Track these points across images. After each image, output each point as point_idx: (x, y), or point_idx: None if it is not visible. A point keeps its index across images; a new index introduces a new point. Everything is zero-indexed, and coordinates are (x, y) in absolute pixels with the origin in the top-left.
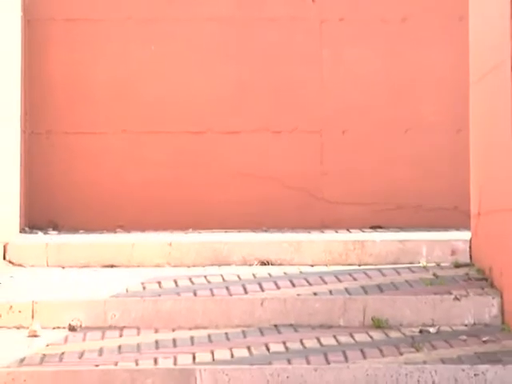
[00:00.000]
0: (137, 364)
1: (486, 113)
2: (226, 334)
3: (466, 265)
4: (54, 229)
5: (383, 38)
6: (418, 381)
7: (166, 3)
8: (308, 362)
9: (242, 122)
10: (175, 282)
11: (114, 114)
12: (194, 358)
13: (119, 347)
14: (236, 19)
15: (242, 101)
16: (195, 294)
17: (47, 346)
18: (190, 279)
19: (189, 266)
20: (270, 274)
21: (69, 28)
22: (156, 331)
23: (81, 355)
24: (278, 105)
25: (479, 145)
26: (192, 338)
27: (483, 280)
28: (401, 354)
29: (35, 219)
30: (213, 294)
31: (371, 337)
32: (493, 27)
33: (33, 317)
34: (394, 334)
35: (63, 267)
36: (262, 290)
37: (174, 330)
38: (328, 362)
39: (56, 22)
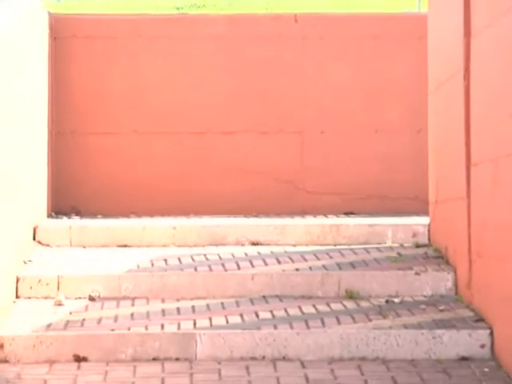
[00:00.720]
0: (146, 329)
1: (442, 117)
2: (222, 303)
3: (425, 245)
4: (76, 214)
5: (356, 54)
6: (385, 343)
7: (171, 24)
8: (291, 328)
9: (235, 124)
10: (179, 259)
11: (126, 117)
12: (194, 324)
13: (131, 315)
14: (230, 37)
15: (235, 106)
16: (196, 270)
17: (70, 313)
18: (192, 257)
19: (190, 246)
20: (259, 253)
21: (88, 44)
22: (162, 301)
23: (99, 321)
24: (266, 110)
25: (436, 144)
26: (193, 307)
27: (440, 258)
28: (370, 320)
29: (60, 206)
30: (211, 270)
31: (345, 306)
32: (448, 44)
33: (58, 289)
34: (364, 304)
35: (84, 247)
36: (253, 267)
37: (178, 300)
38: (308, 328)
39: (78, 39)
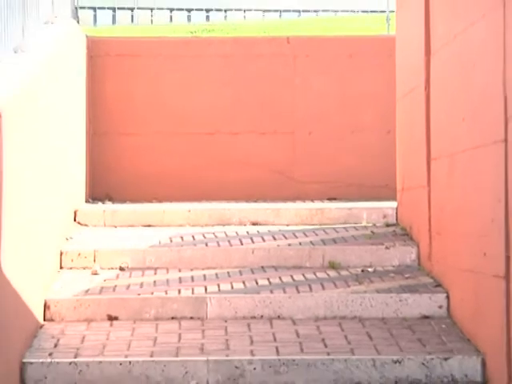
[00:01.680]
0: (166, 293)
1: (407, 120)
2: (228, 272)
3: (393, 225)
4: (109, 200)
5: (336, 69)
6: (361, 305)
7: (186, 44)
8: (284, 292)
9: (239, 126)
10: (193, 236)
11: (149, 120)
12: (205, 289)
13: (154, 282)
14: (234, 55)
15: (239, 112)
16: (206, 245)
17: (104, 281)
18: (203, 235)
19: (202, 226)
20: (258, 231)
21: (118, 61)
22: (179, 271)
23: (127, 287)
24: (264, 115)
25: (402, 142)
26: (204, 276)
27: (405, 235)
28: (348, 286)
29: (96, 193)
30: (219, 245)
31: (328, 275)
32: (412, 61)
33: (94, 261)
34: (344, 273)
35: (115, 226)
36: (253, 242)
37: (191, 270)
38: (298, 292)
39: (110, 57)
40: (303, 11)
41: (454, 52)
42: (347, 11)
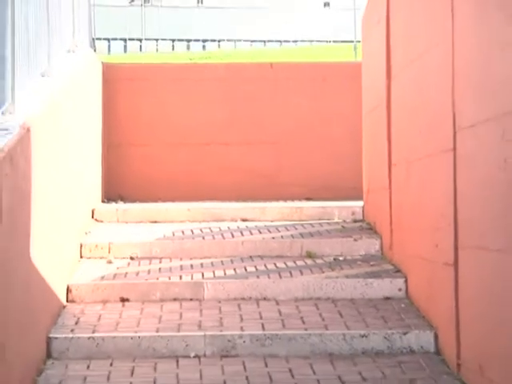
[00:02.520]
0: (169, 279)
1: (372, 133)
2: (222, 261)
3: (360, 220)
4: (121, 200)
5: (312, 89)
6: (333, 288)
7: (186, 69)
8: (269, 277)
9: (231, 138)
10: (192, 231)
11: (156, 133)
12: (202, 275)
13: (159, 269)
14: (227, 78)
15: (231, 126)
16: (203, 238)
17: (117, 268)
18: (201, 229)
19: (200, 222)
20: (247, 226)
21: (129, 84)
22: (181, 260)
23: (137, 274)
24: (251, 128)
25: (367, 151)
26: (202, 264)
27: (370, 229)
28: (323, 272)
29: (110, 195)
30: (214, 238)
31: (306, 263)
32: (376, 83)
33: (109, 251)
34: (319, 261)
35: (127, 222)
36: (243, 236)
37: (191, 259)
38: (281, 277)
39: (121, 80)
40: (284, 41)
41: (411, 76)
42: (320, 41)
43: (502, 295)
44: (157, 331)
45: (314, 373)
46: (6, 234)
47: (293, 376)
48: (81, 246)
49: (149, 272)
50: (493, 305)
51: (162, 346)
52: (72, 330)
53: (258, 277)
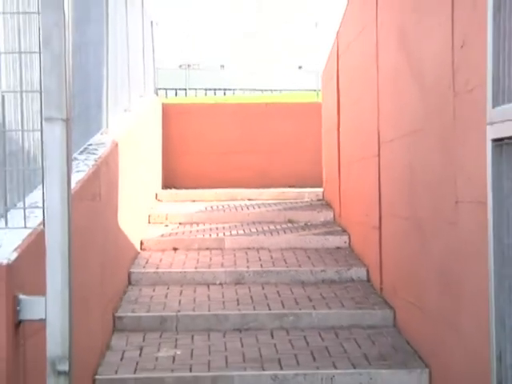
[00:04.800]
0: (203, 236)
1: (327, 145)
2: (235, 225)
3: (321, 200)
4: (174, 187)
5: (292, 118)
6: (305, 241)
7: (213, 106)
8: (265, 235)
9: (241, 149)
10: (217, 206)
11: (194, 147)
12: (224, 234)
13: (197, 230)
14: (238, 112)
15: (241, 141)
16: (224, 211)
17: (171, 229)
18: (222, 206)
19: (222, 200)
20: (251, 204)
21: (178, 116)
22: (210, 224)
23: (183, 233)
24: (253, 143)
25: (325, 156)
26: (223, 227)
27: (327, 205)
28: (298, 232)
29: (167, 184)
30: (230, 211)
31: (288, 226)
32: (330, 115)
33: (166, 219)
34: (296, 225)
35: (177, 201)
36: (248, 209)
37: (216, 224)
38: (272, 235)
39: (173, 114)
40: (274, 90)
41: (351, 111)
42: (296, 90)
43: (404, 245)
44: (196, 268)
45: (293, 293)
46: (104, 207)
47: (279, 295)
48: (149, 216)
49: (190, 232)
50: (399, 251)
51: (199, 277)
52: (144, 267)
53: (257, 235)
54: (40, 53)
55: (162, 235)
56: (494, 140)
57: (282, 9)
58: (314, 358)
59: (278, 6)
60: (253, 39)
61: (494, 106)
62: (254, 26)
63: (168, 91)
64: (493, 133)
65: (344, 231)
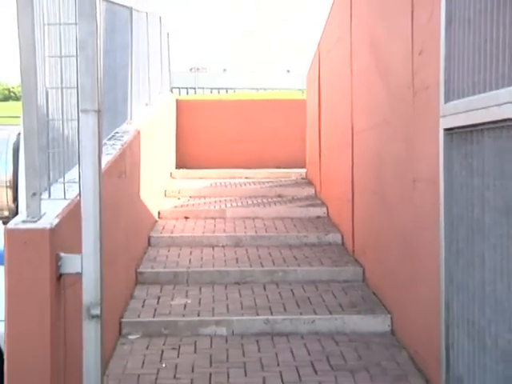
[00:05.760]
0: (209, 207)
1: (310, 134)
2: (235, 198)
3: (305, 179)
4: (185, 168)
5: (282, 113)
6: (291, 212)
7: (217, 102)
8: (259, 206)
9: (240, 138)
10: (220, 183)
11: (201, 135)
12: (225, 206)
13: (204, 203)
14: (238, 107)
15: (240, 132)
16: (226, 186)
17: (183, 202)
18: (224, 183)
19: (224, 178)
20: (248, 181)
21: (188, 110)
22: (214, 197)
23: (192, 205)
24: (250, 133)
25: (309, 144)
26: (225, 200)
27: (310, 183)
28: (286, 204)
29: (179, 164)
30: (231, 187)
31: (278, 199)
32: (312, 111)
33: (179, 193)
34: (285, 199)
35: (187, 179)
36: (245, 186)
37: (220, 197)
38: (265, 207)
39: (184, 108)
40: (268, 89)
41: (330, 106)
42: (286, 89)
43: (372, 215)
44: (203, 233)
45: (281, 254)
46: (128, 183)
47: (271, 256)
48: (165, 191)
49: (198, 204)
50: (368, 220)
51: (205, 241)
52: (160, 232)
53: (253, 206)
54: (77, 56)
55: (176, 206)
56: (446, 129)
57: (280, 8)
58: (298, 306)
59: (276, 5)
60: (251, 40)
61: (445, 102)
62: (253, 25)
63: (181, 90)
64: (445, 124)
65: (323, 204)
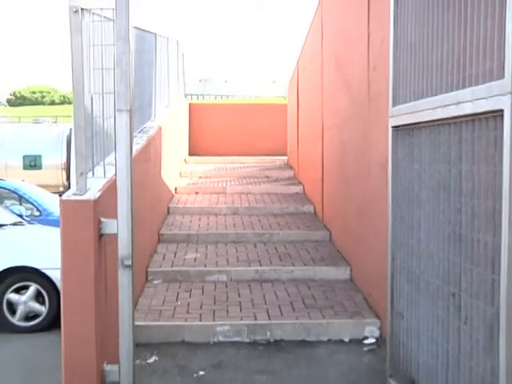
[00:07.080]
0: (213, 184)
1: (291, 131)
2: (233, 178)
3: (287, 164)
4: (196, 155)
5: (269, 114)
6: (276, 189)
7: (221, 106)
8: (251, 184)
9: (237, 131)
10: (222, 167)
11: (207, 131)
12: (226, 184)
13: (210, 182)
14: (237, 109)
15: (237, 127)
16: (226, 169)
17: (194, 181)
18: (225, 167)
19: (225, 163)
20: (243, 165)
21: (198, 112)
22: (217, 178)
23: (201, 183)
24: (245, 129)
25: (289, 138)
26: (226, 180)
27: (290, 168)
28: (272, 183)
29: (192, 152)
30: (230, 170)
31: (265, 179)
32: (292, 112)
33: (191, 174)
34: (270, 179)
35: (198, 163)
36: (242, 169)
37: (222, 178)
38: (256, 185)
39: (195, 110)
40: (257, 96)
41: (305, 109)
42: (272, 96)
43: (337, 192)
44: (209, 204)
45: (268, 221)
46: (152, 166)
47: (260, 222)
48: (180, 172)
49: (205, 182)
50: (334, 196)
51: (210, 210)
52: (176, 204)
53: (247, 184)
54: (114, 69)
55: (188, 184)
56: (393, 127)
57: (269, 33)
58: (281, 260)
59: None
60: (246, 58)
61: (393, 106)
62: (248, 47)
63: (192, 96)
64: (392, 122)
65: (300, 183)
